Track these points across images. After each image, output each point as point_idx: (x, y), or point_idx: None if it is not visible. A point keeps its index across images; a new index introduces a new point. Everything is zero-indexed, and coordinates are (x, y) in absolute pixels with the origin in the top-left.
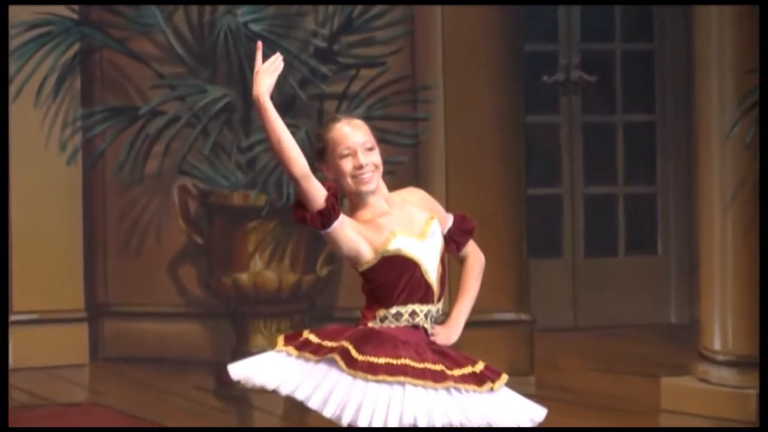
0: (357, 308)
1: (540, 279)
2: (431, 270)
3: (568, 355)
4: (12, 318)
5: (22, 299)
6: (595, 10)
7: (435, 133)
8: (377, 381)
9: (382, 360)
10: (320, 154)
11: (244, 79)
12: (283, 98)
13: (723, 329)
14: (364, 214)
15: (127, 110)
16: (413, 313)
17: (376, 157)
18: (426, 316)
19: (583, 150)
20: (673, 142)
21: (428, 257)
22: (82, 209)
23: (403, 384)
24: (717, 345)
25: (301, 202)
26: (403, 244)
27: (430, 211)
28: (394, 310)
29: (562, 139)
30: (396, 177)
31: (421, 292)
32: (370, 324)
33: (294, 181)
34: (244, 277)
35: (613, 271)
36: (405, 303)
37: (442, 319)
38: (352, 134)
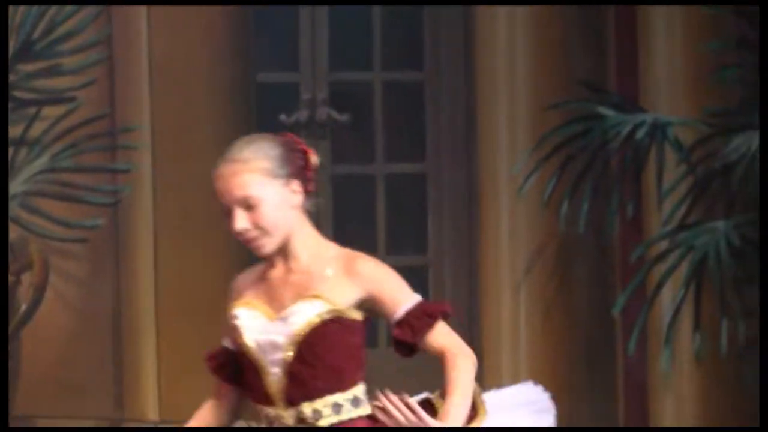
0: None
1: None
2: None
3: None
4: None
5: None
6: (348, 30)
7: (140, 189)
8: None
9: None
10: None
11: None
12: None
13: None
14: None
15: None
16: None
17: (260, 216)
18: None
19: (333, 210)
20: (447, 200)
21: None
22: None
23: None
24: None
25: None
26: None
27: None
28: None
29: None
30: (90, 245)
31: None
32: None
33: None
34: None
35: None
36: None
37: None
38: (227, 184)
